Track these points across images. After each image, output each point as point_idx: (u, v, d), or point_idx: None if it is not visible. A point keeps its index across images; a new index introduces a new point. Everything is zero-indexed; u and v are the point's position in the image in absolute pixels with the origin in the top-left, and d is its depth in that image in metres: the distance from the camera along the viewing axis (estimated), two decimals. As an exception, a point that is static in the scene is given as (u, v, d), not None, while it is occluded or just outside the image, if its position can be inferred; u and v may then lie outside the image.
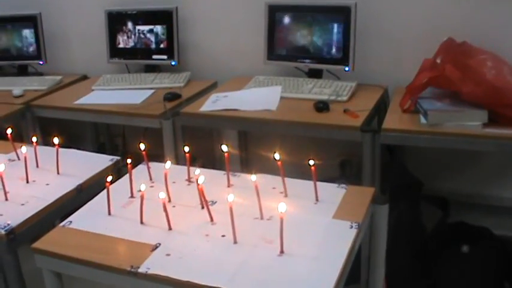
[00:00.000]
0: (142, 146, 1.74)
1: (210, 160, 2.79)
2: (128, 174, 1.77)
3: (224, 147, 1.68)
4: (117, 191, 1.65)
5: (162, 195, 1.46)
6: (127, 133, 3.39)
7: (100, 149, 3.28)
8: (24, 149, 1.85)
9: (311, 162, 1.59)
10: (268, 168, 1.74)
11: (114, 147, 3.42)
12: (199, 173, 1.60)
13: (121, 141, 3.43)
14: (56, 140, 1.88)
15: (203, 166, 1.83)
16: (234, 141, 3.08)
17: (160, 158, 1.93)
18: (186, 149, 1.73)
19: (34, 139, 1.96)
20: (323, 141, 2.69)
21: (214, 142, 3.04)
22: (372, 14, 2.68)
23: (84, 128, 3.34)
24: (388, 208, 1.65)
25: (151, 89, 2.89)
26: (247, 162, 3.16)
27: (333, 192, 1.65)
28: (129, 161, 1.68)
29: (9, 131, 2.05)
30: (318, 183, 1.62)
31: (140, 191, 1.55)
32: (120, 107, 2.67)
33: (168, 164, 1.66)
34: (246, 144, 3.16)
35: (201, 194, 1.53)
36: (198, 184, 1.53)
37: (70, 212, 1.67)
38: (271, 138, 2.91)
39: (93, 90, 2.99)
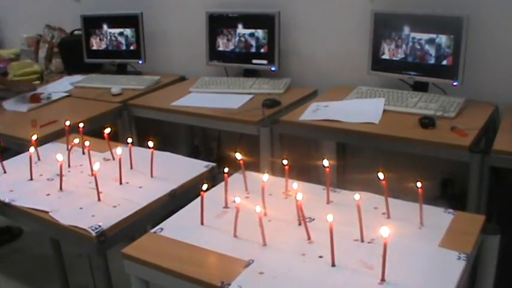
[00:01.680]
0: (239, 156, 1.70)
1: (305, 170, 2.72)
2: (222, 183, 1.75)
3: (325, 162, 1.61)
4: (211, 199, 1.62)
5: (259, 209, 1.41)
6: (222, 137, 3.39)
7: (193, 152, 3.31)
8: (119, 150, 1.87)
9: (418, 184, 1.48)
10: (367, 183, 1.66)
11: (208, 151, 3.44)
12: (298, 187, 1.53)
13: (216, 146, 3.44)
14: (151, 143, 1.88)
15: (298, 176, 1.76)
16: (331, 152, 2.99)
17: (254, 166, 1.89)
18: (285, 161, 1.67)
19: (130, 140, 1.97)
20: (424, 157, 2.55)
21: (311, 152, 2.97)
22: (485, 25, 2.51)
23: (178, 130, 3.37)
24: (499, 239, 1.51)
25: (249, 94, 2.87)
26: (343, 175, 3.06)
27: (439, 217, 1.54)
28: (226, 170, 1.64)
29: (107, 130, 2.08)
30: (423, 206, 1.52)
31: (235, 201, 1.52)
32: (217, 111, 2.67)
33: (266, 176, 1.61)
34: (343, 157, 3.07)
35: (300, 210, 1.46)
36: (296, 199, 1.46)
37: (161, 218, 1.67)
38: (370, 152, 2.80)
39: (190, 92, 3.01)
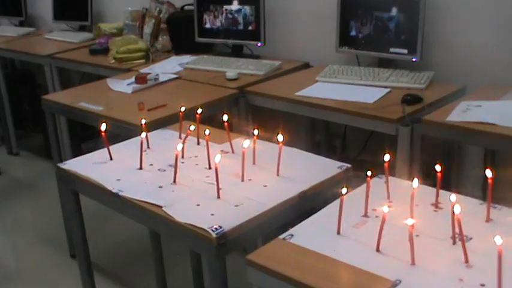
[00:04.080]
0: (387, 157, 1.67)
1: (446, 178, 2.65)
2: (359, 188, 1.76)
3: (488, 173, 1.55)
4: (347, 206, 1.60)
5: (410, 221, 1.37)
6: (347, 135, 3.38)
7: (314, 150, 3.29)
8: (247, 142, 1.88)
9: None
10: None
11: (331, 150, 3.43)
12: (455, 200, 1.48)
13: (339, 144, 3.42)
14: (280, 137, 1.88)
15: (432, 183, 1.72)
16: (478, 160, 2.89)
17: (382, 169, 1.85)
18: (438, 168, 1.62)
19: (255, 132, 1.99)
20: None
21: (453, 159, 2.88)
22: None
23: (298, 123, 3.38)
24: None
25: (385, 87, 2.83)
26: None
27: None
28: (369, 173, 1.62)
29: (225, 117, 2.11)
30: None
31: (375, 210, 1.52)
32: (349, 104, 2.66)
33: (416, 182, 1.57)
34: (492, 166, 2.95)
35: (459, 227, 1.41)
36: (453, 213, 1.42)
37: (287, 223, 1.69)
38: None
39: (317, 81, 3.02)
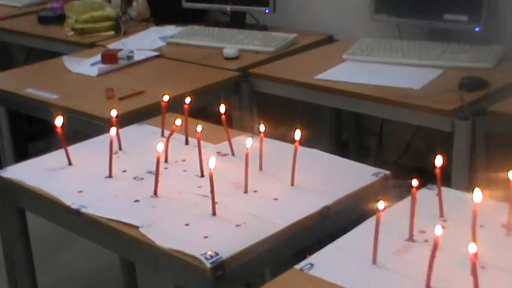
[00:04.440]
0: (439, 160, 1.68)
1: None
2: (402, 202, 1.77)
3: None
4: (385, 226, 1.61)
5: (473, 248, 1.38)
6: (384, 132, 3.39)
7: (340, 151, 3.31)
8: (249, 141, 1.89)
9: None
10: None
11: (362, 151, 3.44)
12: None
13: (374, 143, 3.43)
14: (297, 134, 1.90)
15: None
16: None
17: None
18: (511, 175, 1.63)
19: (262, 128, 2.00)
20: None
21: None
22: None
23: (319, 116, 3.39)
24: None
25: (438, 67, 2.85)
26: None
27: None
28: (414, 183, 1.63)
29: (222, 108, 2.12)
30: None
31: (424, 232, 1.53)
32: (387, 91, 2.67)
33: (479, 195, 1.57)
34: None
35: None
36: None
37: (305, 248, 1.71)
38: None
39: (344, 60, 3.04)
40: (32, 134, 4.64)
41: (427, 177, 1.82)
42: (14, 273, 3.23)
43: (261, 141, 2.03)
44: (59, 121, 2.12)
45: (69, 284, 3.46)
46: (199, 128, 2.04)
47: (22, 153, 4.28)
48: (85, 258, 3.55)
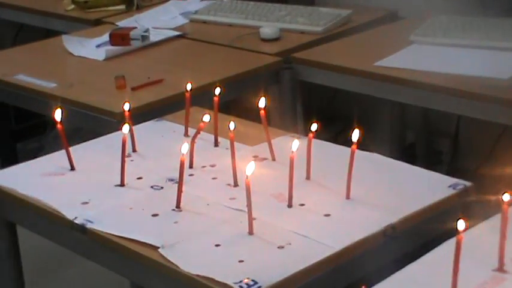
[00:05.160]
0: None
1: None
2: (488, 222, 1.77)
3: None
4: (467, 251, 1.61)
5: None
6: (461, 132, 3.39)
7: (404, 156, 3.32)
8: (296, 144, 1.89)
9: None
10: None
11: (433, 156, 3.45)
12: None
13: (449, 147, 3.43)
14: (355, 134, 1.90)
15: None
16: None
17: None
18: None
19: (314, 127, 2.01)
20: None
21: None
22: None
23: (379, 112, 3.40)
24: None
25: (531, 52, 2.85)
26: None
27: None
28: (506, 197, 1.63)
29: (262, 102, 2.13)
30: None
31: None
32: (467, 82, 2.67)
33: None
34: None
35: None
36: None
37: (364, 276, 1.72)
38: None
39: (411, 42, 3.05)
40: (21, 131, 4.69)
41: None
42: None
43: (309, 144, 2.04)
44: (58, 115, 2.14)
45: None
46: (232, 125, 2.05)
47: (9, 155, 4.33)
48: (88, 282, 3.58)
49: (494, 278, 1.62)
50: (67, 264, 3.60)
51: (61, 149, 2.23)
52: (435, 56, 2.90)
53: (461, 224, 1.54)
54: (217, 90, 2.25)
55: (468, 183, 1.98)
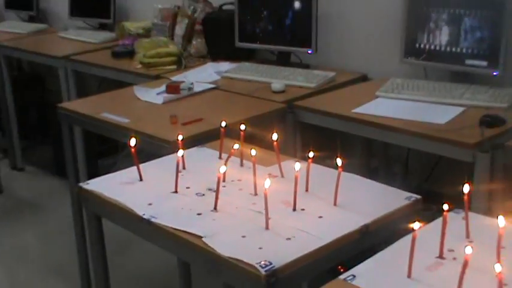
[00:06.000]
0: (466, 188, 1.68)
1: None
2: (431, 224, 1.77)
3: None
4: (419, 243, 1.61)
5: (498, 268, 1.38)
6: (411, 159, 3.41)
7: (370, 176, 3.30)
8: (297, 165, 1.91)
9: None
10: None
11: (390, 176, 3.44)
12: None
13: (400, 170, 3.44)
14: (339, 161, 1.91)
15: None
16: None
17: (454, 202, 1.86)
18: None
19: (311, 154, 2.02)
20: None
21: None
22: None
23: (352, 144, 3.40)
24: None
25: (459, 105, 2.84)
26: None
27: None
28: (445, 207, 1.64)
29: (274, 136, 2.14)
30: None
31: (453, 251, 1.56)
32: (416, 125, 2.67)
33: (503, 221, 1.57)
34: None
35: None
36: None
37: (345, 261, 1.73)
38: None
39: (377, 96, 3.04)
40: (101, 151, 4.70)
41: (449, 202, 1.80)
42: (84, 273, 3.31)
43: (308, 166, 2.04)
44: (132, 142, 2.15)
45: (135, 280, 3.48)
46: (253, 152, 2.06)
47: (92, 168, 4.34)
48: (148, 258, 3.58)
49: (436, 263, 1.64)
50: (135, 246, 3.61)
51: (131, 165, 2.22)
52: (393, 107, 2.89)
53: (416, 225, 1.55)
54: (243, 127, 2.26)
55: (418, 196, 1.98)
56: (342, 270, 1.65)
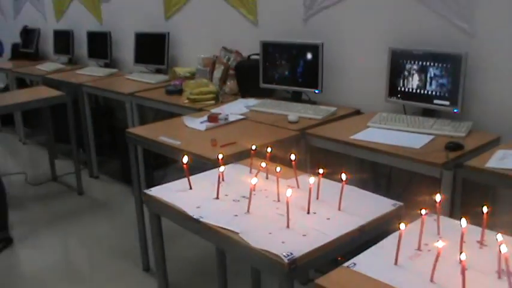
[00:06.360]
0: (438, 197, 1.70)
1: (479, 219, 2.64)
2: (412, 224, 1.78)
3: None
4: (404, 238, 1.62)
5: (463, 256, 1.40)
6: (393, 174, 3.41)
7: (361, 187, 3.31)
8: (312, 179, 1.93)
9: None
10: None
11: (376, 187, 3.44)
12: (502, 240, 1.50)
13: (384, 183, 3.44)
14: (343, 176, 1.93)
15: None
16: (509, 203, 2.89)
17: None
18: (485, 209, 1.65)
19: (321, 170, 2.04)
20: None
21: (488, 200, 2.87)
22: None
23: (348, 162, 3.40)
24: None
25: (430, 134, 2.84)
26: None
27: None
28: (423, 211, 1.65)
29: (293, 156, 2.17)
30: None
31: (427, 245, 1.58)
32: (398, 149, 2.68)
33: (464, 222, 1.59)
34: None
35: (506, 263, 1.43)
36: (500, 251, 1.44)
37: (347, 253, 1.73)
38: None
39: (368, 127, 3.05)
40: (155, 165, 4.73)
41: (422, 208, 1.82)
42: (144, 255, 3.33)
43: (319, 180, 2.06)
44: (185, 159, 2.18)
45: (181, 263, 3.49)
46: (278, 169, 2.08)
47: (149, 178, 4.37)
48: (194, 247, 3.60)
49: (416, 253, 1.66)
50: (182, 238, 3.61)
51: (179, 176, 2.27)
52: (381, 134, 2.90)
53: (402, 225, 1.57)
54: (269, 149, 2.28)
55: (401, 203, 2.00)
56: (341, 259, 1.67)
